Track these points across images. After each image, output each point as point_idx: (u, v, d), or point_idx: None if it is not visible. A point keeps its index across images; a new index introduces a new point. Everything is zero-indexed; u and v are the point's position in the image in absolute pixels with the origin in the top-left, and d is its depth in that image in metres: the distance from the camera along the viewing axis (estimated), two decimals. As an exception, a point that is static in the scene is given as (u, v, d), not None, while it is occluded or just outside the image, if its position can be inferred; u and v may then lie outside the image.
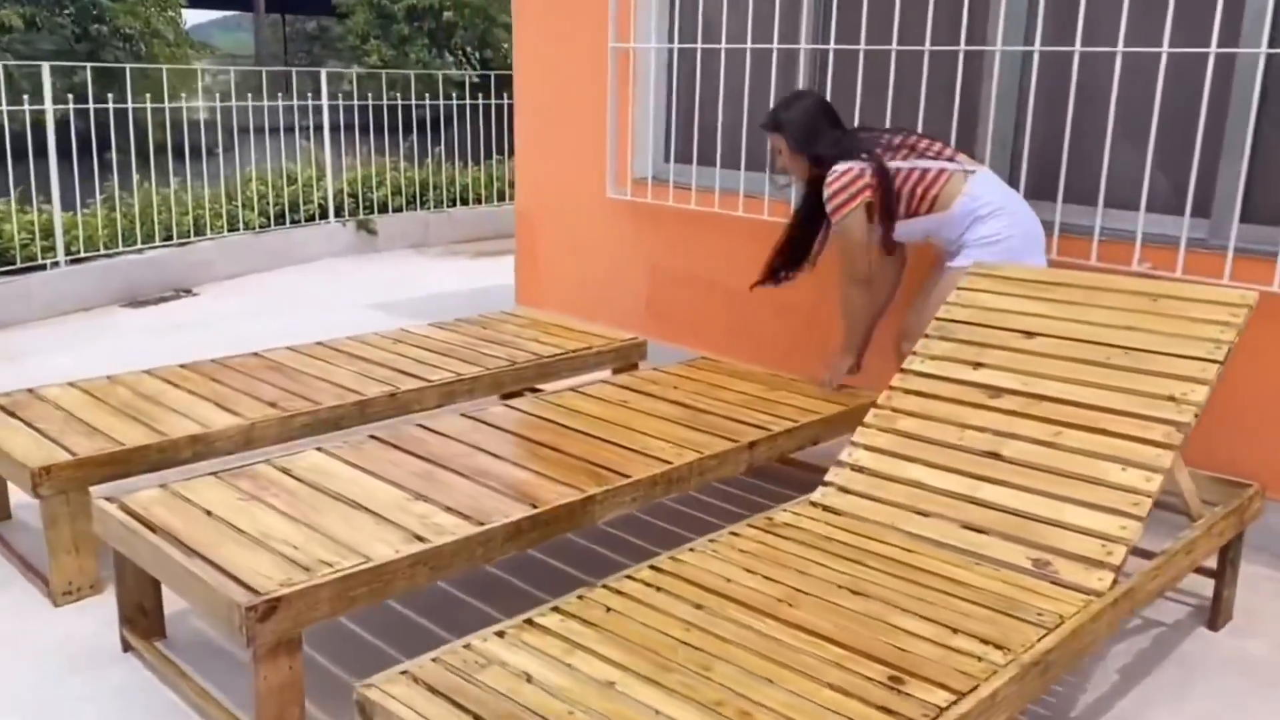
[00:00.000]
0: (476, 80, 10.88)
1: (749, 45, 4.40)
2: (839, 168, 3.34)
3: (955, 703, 1.81)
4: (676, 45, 4.68)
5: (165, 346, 5.28)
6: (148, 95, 7.93)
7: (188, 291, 6.84)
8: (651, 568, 2.30)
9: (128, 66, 7.68)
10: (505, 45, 17.60)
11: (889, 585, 2.23)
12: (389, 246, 8.52)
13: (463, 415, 3.29)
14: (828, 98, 3.83)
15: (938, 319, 2.97)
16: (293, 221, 7.93)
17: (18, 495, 3.34)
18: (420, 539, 2.40)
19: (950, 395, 2.75)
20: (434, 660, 1.92)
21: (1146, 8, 3.35)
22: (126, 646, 2.65)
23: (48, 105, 6.15)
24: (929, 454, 2.64)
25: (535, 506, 2.59)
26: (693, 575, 2.26)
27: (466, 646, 1.98)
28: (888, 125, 3.93)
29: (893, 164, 3.34)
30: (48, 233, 6.23)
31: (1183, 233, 3.29)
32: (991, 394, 2.69)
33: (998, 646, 2.00)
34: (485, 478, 2.77)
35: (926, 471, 2.60)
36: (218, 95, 8.04)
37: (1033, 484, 2.47)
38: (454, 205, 9.12)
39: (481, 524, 2.49)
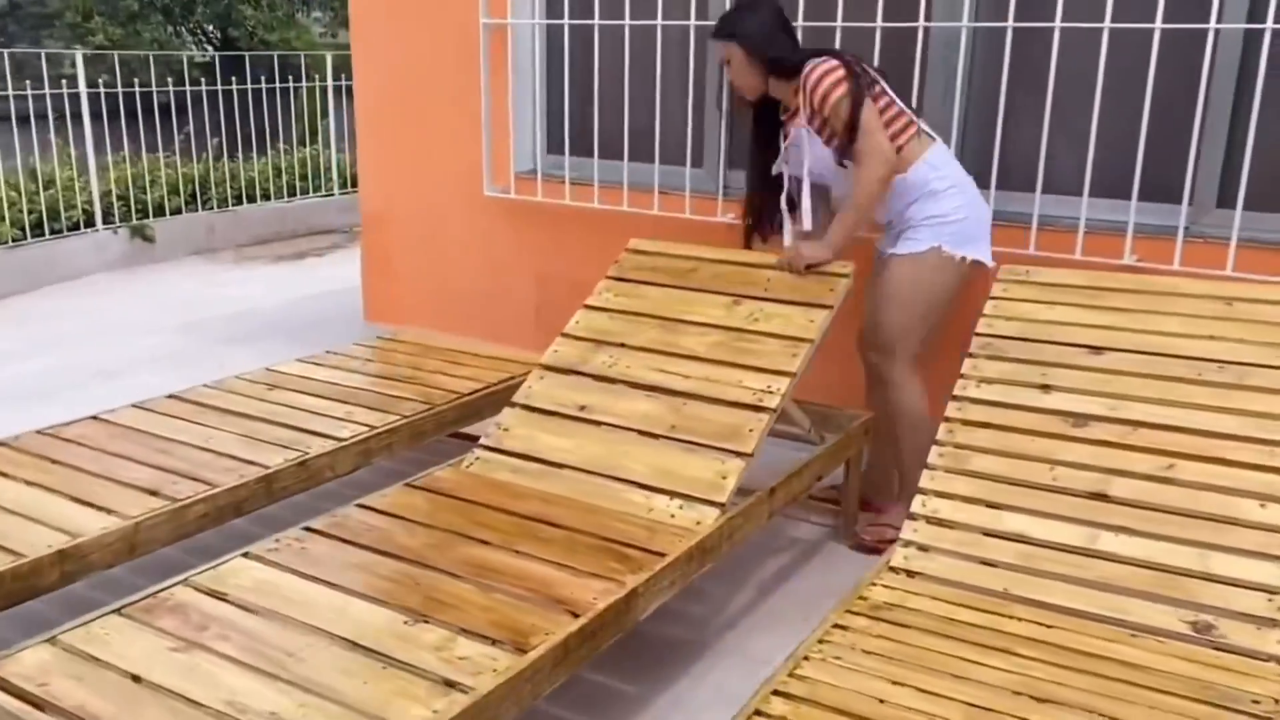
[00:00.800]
0: (221, 60, 9.71)
1: (660, 21, 3.88)
2: (813, 62, 2.91)
3: None
4: (567, 21, 4.09)
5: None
6: None
7: (-77, 324, 5.60)
8: (778, 694, 1.80)
9: None
10: (250, 23, 16.15)
11: (1064, 681, 1.83)
12: (170, 255, 7.39)
13: (408, 485, 2.64)
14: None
15: (978, 334, 2.60)
16: (53, 231, 6.69)
17: None
18: (455, 686, 1.78)
19: (1025, 426, 2.38)
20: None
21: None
22: None
23: None
24: (1021, 499, 2.26)
25: (577, 614, 2.02)
26: (830, 698, 1.78)
27: None
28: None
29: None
30: None
31: (1180, 222, 3.08)
32: (1075, 422, 2.35)
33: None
34: (489, 577, 2.16)
35: (1027, 521, 2.22)
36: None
37: (1160, 529, 2.14)
38: (240, 203, 8.06)
39: (523, 650, 1.90)
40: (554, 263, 4.32)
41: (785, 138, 3.08)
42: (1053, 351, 2.50)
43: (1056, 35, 3.15)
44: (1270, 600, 1.99)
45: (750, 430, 2.61)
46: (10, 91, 6.45)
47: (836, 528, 3.24)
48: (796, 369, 2.72)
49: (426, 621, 1.99)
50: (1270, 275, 2.82)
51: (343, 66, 9.00)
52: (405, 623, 1.98)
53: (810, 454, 2.87)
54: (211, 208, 7.82)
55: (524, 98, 4.30)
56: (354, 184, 8.99)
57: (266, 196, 8.25)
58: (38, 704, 1.73)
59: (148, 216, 7.30)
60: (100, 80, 6.98)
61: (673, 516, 2.48)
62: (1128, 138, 3.15)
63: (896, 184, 2.94)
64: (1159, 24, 2.99)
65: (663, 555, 2.27)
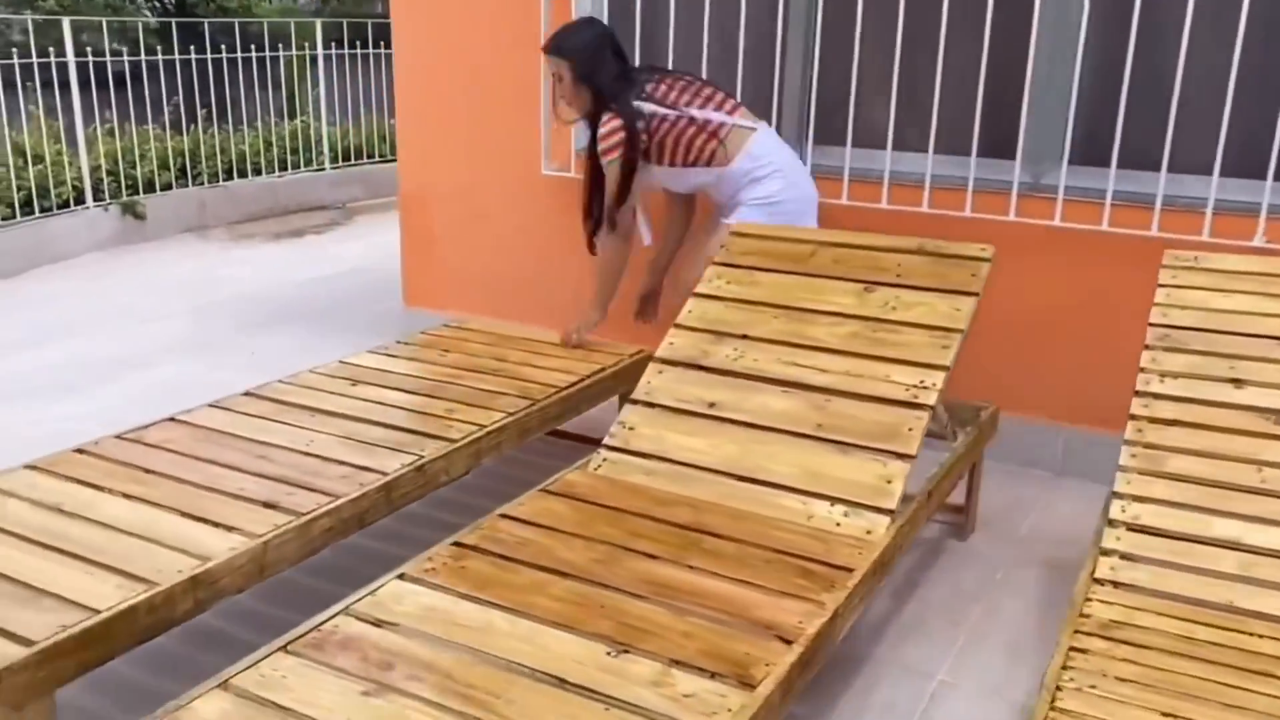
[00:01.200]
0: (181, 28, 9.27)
1: (733, -11, 3.67)
2: (605, 116, 3.21)
3: None
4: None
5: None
6: None
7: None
8: (1048, 728, 1.64)
9: None
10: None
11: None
12: (161, 233, 7.04)
13: (545, 491, 2.44)
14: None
15: (1153, 325, 2.46)
16: (43, 209, 6.32)
17: None
18: (697, 730, 1.61)
19: (1223, 424, 2.25)
20: None
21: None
22: None
23: None
24: (1231, 503, 2.13)
25: (789, 641, 1.85)
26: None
27: None
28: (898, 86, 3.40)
29: (667, 111, 3.21)
30: None
31: (1315, 203, 2.97)
32: (1277, 419, 2.22)
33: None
34: (673, 596, 1.98)
35: (1241, 527, 2.09)
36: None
37: (1387, 534, 2.02)
38: (230, 177, 7.70)
39: (748, 684, 1.73)
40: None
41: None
42: (1238, 343, 2.36)
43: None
44: None
45: (909, 429, 2.44)
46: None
47: (955, 525, 3.11)
48: (949, 362, 2.56)
49: (628, 651, 1.80)
50: None
51: (333, 34, 8.67)
52: (608, 654, 1.80)
53: (952, 452, 2.72)
54: (202, 183, 7.47)
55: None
56: (345, 157, 8.69)
57: (257, 171, 7.90)
58: None
59: (138, 193, 6.94)
60: (88, 49, 6.57)
61: (838, 525, 2.31)
62: (1261, 119, 3.03)
63: (721, 176, 3.26)
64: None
65: (850, 570, 2.11)
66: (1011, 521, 3.20)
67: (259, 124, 8.17)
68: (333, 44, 8.50)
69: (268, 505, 2.30)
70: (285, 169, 8.13)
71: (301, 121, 8.45)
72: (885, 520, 2.29)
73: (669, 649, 1.82)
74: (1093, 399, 3.41)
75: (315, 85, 8.57)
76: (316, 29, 8.40)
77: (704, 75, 3.62)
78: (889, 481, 2.36)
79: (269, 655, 1.77)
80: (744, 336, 2.78)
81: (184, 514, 2.24)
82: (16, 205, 6.12)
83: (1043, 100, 3.32)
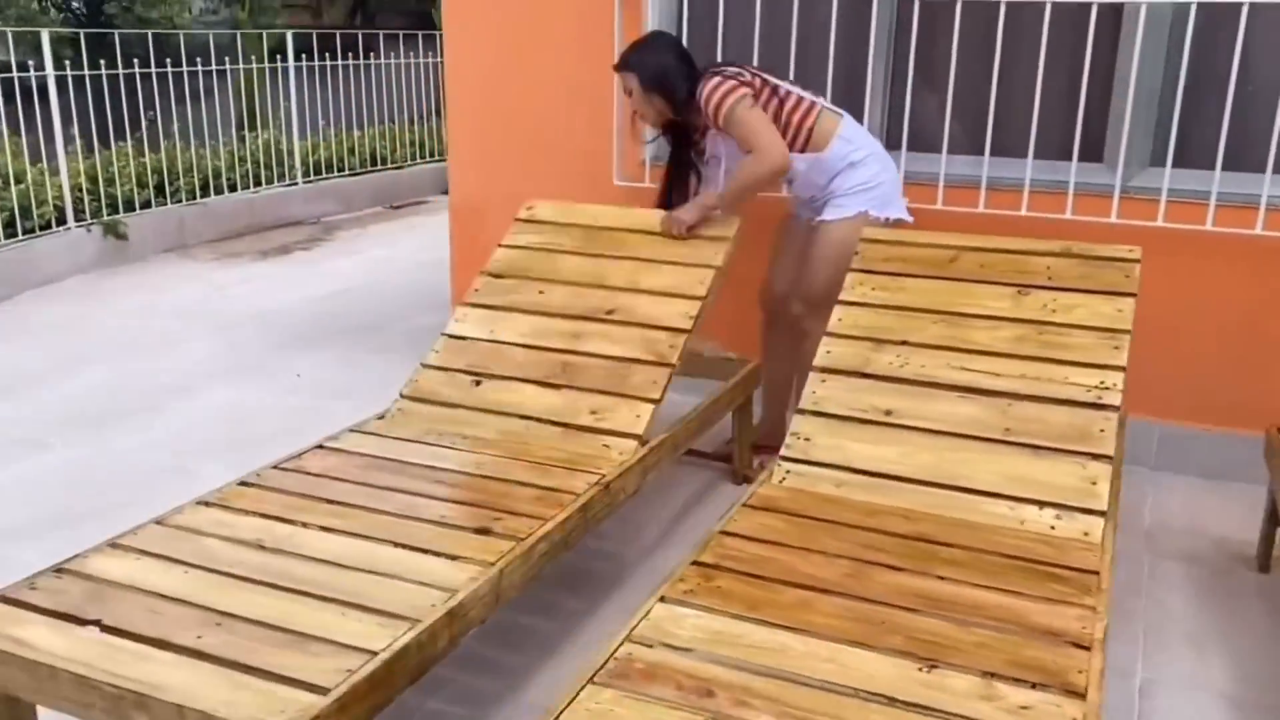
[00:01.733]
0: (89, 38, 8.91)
1: (819, -4, 3.68)
2: (702, 82, 3.16)
3: None
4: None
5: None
6: None
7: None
8: None
9: None
10: (125, -2, 14.96)
11: None
12: (144, 253, 6.74)
13: (748, 506, 2.39)
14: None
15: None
16: (26, 231, 5.98)
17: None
18: (1054, 742, 1.58)
19: None
20: None
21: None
22: None
23: None
24: None
25: (1086, 647, 1.84)
26: None
27: None
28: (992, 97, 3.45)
29: (761, 77, 3.21)
30: None
31: None
32: None
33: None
34: (946, 609, 1.96)
35: None
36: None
37: None
38: (206, 194, 7.41)
39: (1074, 692, 1.71)
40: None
41: (703, 154, 3.38)
42: None
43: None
44: None
45: (1101, 430, 2.46)
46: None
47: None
48: (1124, 362, 2.58)
49: (937, 666, 1.77)
50: None
51: (303, 47, 8.41)
52: (920, 670, 1.76)
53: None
54: (180, 200, 7.17)
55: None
56: (317, 171, 8.44)
57: (232, 187, 7.62)
58: None
59: (117, 211, 6.63)
60: (66, 62, 6.26)
61: (1052, 529, 2.31)
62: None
63: (816, 162, 3.21)
64: None
65: (1095, 573, 2.12)
66: (1130, 515, 3.25)
67: (218, 139, 7.85)
68: (303, 56, 8.25)
69: (481, 531, 2.20)
70: (259, 184, 7.86)
71: (274, 136, 8.18)
72: (1099, 522, 2.31)
73: (975, 661, 1.79)
74: (1183, 394, 3.50)
75: (287, 98, 8.30)
76: (287, 39, 8.15)
77: (791, 72, 3.62)
78: (1094, 483, 2.37)
79: (584, 686, 1.69)
80: (904, 343, 2.77)
81: (400, 545, 2.13)
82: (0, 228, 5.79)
83: (1133, 105, 3.40)
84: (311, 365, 4.59)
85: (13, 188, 5.91)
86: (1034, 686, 1.72)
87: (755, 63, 3.71)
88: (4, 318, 5.35)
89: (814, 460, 2.57)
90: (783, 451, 2.61)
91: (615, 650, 1.80)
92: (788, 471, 2.57)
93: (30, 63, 6.12)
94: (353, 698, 1.66)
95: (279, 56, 8.19)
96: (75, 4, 15.74)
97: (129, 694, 1.63)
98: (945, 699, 1.68)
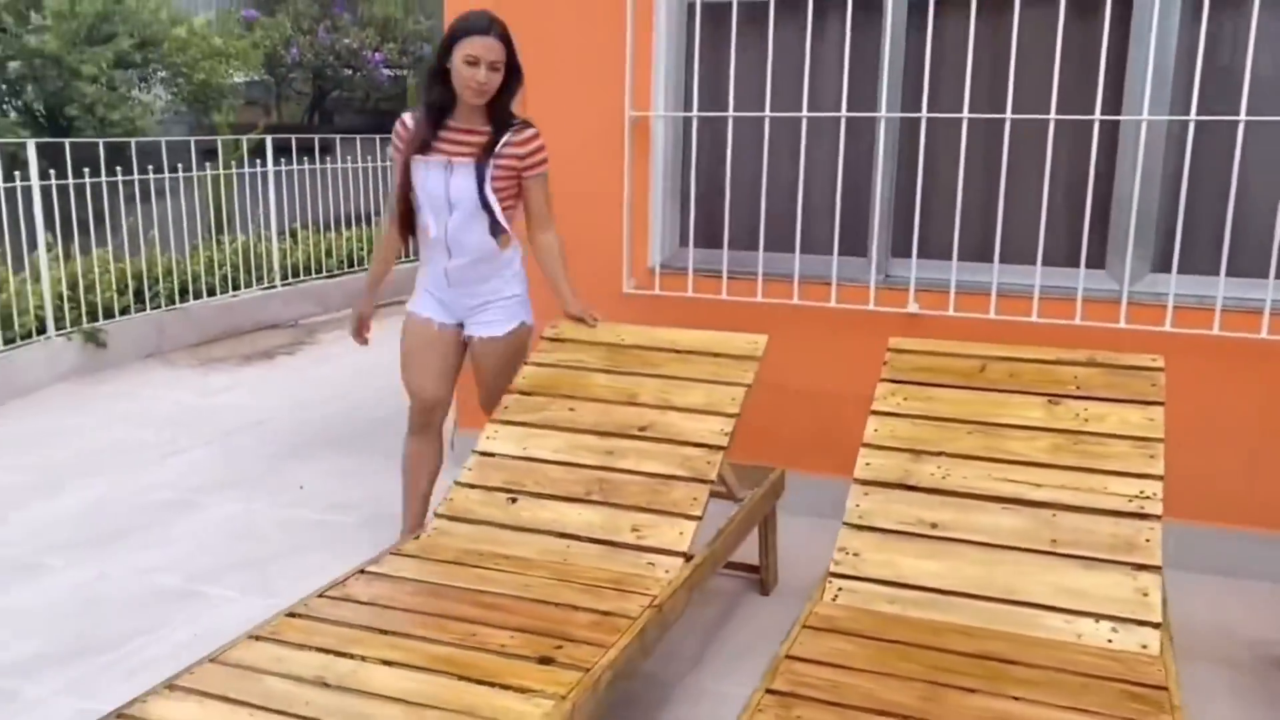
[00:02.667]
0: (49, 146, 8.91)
1: (804, 113, 3.80)
2: (532, 131, 3.22)
3: None
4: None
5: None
6: None
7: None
8: None
9: None
10: (88, 100, 14.95)
11: None
12: (123, 360, 6.63)
13: (810, 628, 2.37)
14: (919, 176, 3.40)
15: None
16: (7, 341, 5.87)
17: None
18: None
19: None
20: None
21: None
22: None
23: None
24: None
25: None
26: None
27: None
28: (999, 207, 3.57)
29: None
30: None
31: None
32: None
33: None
34: None
35: None
36: None
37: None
38: (185, 299, 7.34)
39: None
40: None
41: (452, 152, 3.18)
42: None
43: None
44: None
45: (1147, 540, 2.49)
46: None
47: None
48: (1161, 471, 2.63)
49: None
50: None
51: (283, 150, 8.46)
52: None
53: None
54: (159, 305, 7.10)
55: (665, 190, 4.10)
56: (295, 274, 8.42)
57: (211, 291, 7.57)
58: None
59: (97, 319, 6.54)
60: (51, 172, 6.22)
61: (1109, 641, 2.32)
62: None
63: (493, 255, 3.25)
64: None
65: (1165, 689, 2.12)
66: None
67: (198, 242, 7.83)
68: (282, 160, 8.30)
69: (544, 661, 2.16)
70: (237, 288, 7.82)
71: (251, 239, 8.16)
72: (1156, 634, 2.32)
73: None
74: (1195, 494, 3.56)
75: (264, 201, 8.31)
76: (267, 145, 8.20)
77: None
78: (1145, 594, 2.39)
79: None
80: (941, 453, 2.80)
81: (467, 679, 2.08)
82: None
83: (1129, 213, 3.53)
84: (310, 475, 4.52)
85: (-5, 297, 5.82)
86: (1137, 815, 1.71)
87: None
88: (-15, 431, 5.22)
89: (866, 576, 2.57)
90: (833, 568, 2.61)
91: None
92: (840, 589, 2.56)
93: (16, 173, 6.08)
94: None
95: (258, 160, 8.22)
96: (36, 107, 15.72)
97: None
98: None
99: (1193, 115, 3.39)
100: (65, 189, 6.33)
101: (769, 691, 2.09)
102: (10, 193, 6.01)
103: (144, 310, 6.95)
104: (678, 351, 3.26)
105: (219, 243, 7.96)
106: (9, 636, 3.08)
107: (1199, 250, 3.55)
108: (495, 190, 3.17)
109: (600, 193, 4.08)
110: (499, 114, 3.18)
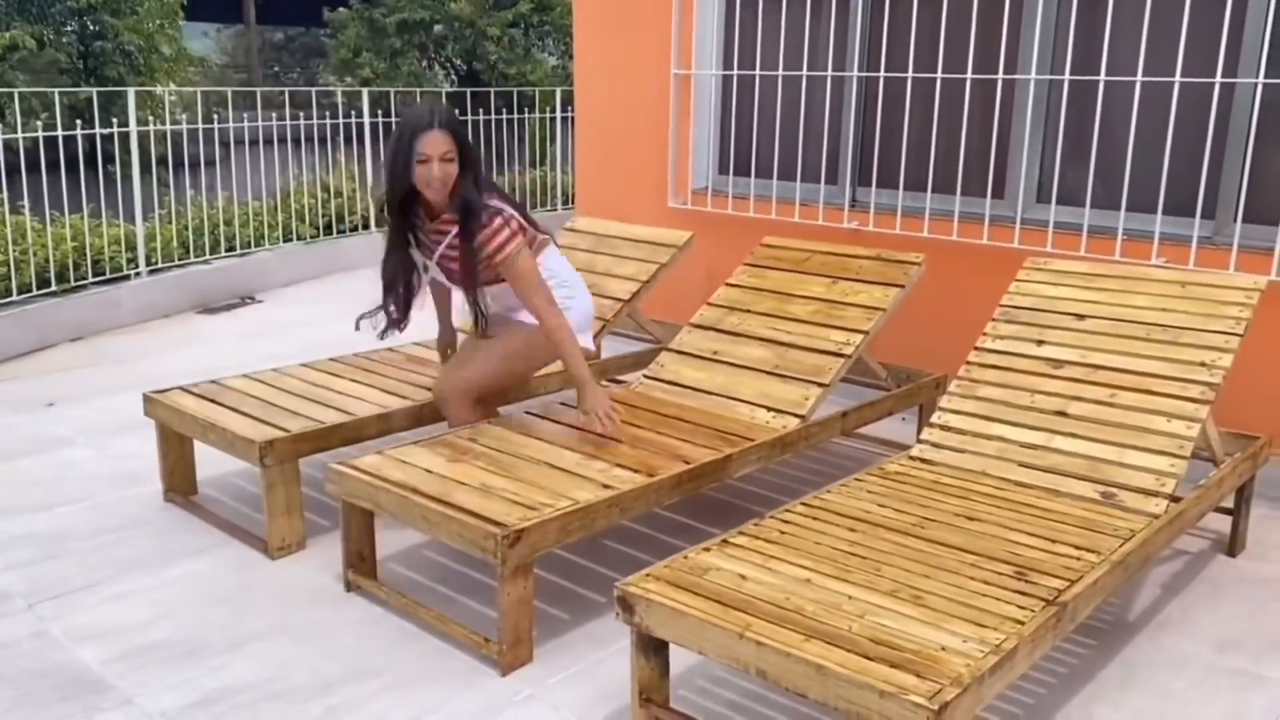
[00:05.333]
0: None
1: (804, 72, 5.02)
2: (497, 219, 3.29)
3: (1069, 587, 2.41)
4: (736, 72, 5.29)
5: (263, 348, 5.77)
6: (151, 118, 8.28)
7: (252, 299, 7.33)
8: (804, 504, 2.89)
9: (130, 91, 7.76)
10: (493, 57, 18.02)
11: (995, 514, 2.84)
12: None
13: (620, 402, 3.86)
14: (876, 123, 4.53)
15: (1000, 306, 3.58)
16: (339, 231, 8.43)
17: (203, 471, 3.87)
18: (609, 487, 2.96)
19: (1020, 368, 3.36)
20: (665, 567, 2.49)
21: (1162, 44, 3.99)
22: (349, 587, 3.19)
23: (132, 127, 6.64)
24: (1008, 415, 3.25)
25: (688, 463, 3.17)
26: (839, 508, 2.85)
27: (685, 558, 2.55)
28: (932, 148, 4.60)
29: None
30: (128, 244, 6.72)
31: (1194, 232, 3.94)
32: (1054, 365, 3.31)
33: (1090, 551, 2.61)
34: (637, 444, 3.34)
35: (1007, 429, 3.21)
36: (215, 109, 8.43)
37: (1096, 435, 3.08)
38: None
39: (652, 475, 3.06)
40: (722, 262, 5.49)
41: (431, 247, 3.44)
42: (1050, 318, 3.45)
43: (1138, 88, 4.07)
44: (1158, 480, 2.91)
45: (829, 369, 3.68)
46: (314, 120, 8.23)
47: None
48: (870, 329, 3.76)
49: (599, 460, 3.18)
50: (1253, 273, 3.65)
51: (570, 100, 10.53)
52: (583, 459, 3.18)
53: (880, 396, 3.92)
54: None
55: (701, 129, 5.51)
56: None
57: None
58: (385, 479, 3.00)
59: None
60: (377, 111, 8.69)
61: (767, 422, 3.58)
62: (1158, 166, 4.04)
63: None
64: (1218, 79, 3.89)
65: (751, 440, 3.39)
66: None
67: (508, 173, 10.12)
68: (569, 107, 10.35)
69: (429, 388, 3.85)
70: (531, 209, 10.00)
71: (541, 171, 10.34)
72: (796, 421, 3.54)
73: (671, 467, 3.18)
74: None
75: (552, 141, 10.45)
76: (555, 96, 10.29)
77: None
78: (806, 399, 3.60)
79: (407, 445, 3.28)
80: (747, 310, 4.09)
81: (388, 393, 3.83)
82: (320, 227, 8.24)
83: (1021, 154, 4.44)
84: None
85: (331, 202, 8.36)
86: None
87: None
88: (311, 287, 7.71)
89: (660, 378, 3.97)
90: (646, 372, 4.03)
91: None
92: (640, 382, 3.99)
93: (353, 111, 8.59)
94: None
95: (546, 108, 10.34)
96: (458, 62, 19.25)
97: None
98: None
99: (1066, 75, 4.26)
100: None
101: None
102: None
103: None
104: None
105: (513, 172, 10.19)
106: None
107: (1071, 184, 4.38)
108: (479, 275, 3.39)
109: (651, 129, 5.57)
110: (463, 203, 3.29)
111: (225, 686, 2.69)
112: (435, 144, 3.20)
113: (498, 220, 3.30)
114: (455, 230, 3.35)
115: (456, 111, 3.53)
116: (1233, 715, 2.63)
